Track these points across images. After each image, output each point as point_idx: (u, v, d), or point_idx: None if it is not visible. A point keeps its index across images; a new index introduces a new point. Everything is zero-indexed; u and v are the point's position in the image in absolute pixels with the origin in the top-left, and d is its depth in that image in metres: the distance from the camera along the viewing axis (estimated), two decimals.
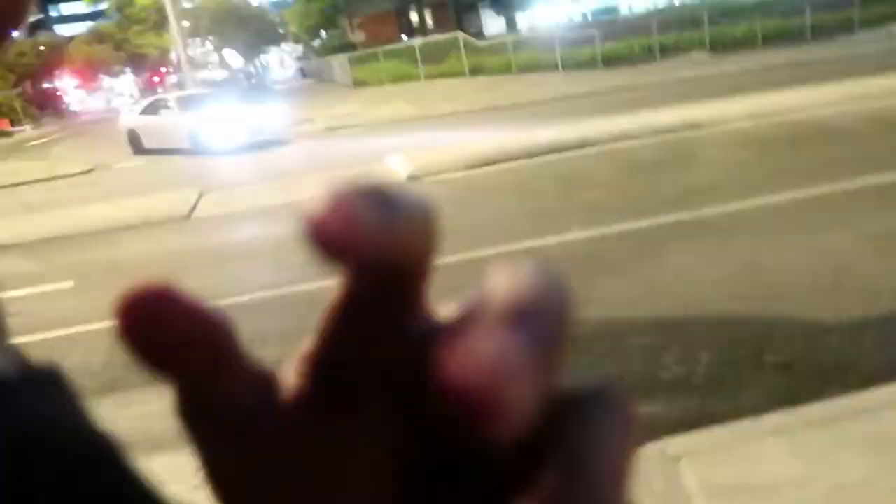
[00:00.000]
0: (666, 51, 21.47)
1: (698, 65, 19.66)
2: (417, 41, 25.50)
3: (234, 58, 56.01)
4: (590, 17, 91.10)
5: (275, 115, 16.39)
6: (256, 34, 50.48)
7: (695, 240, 5.44)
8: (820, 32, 21.05)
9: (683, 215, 5.98)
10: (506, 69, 22.43)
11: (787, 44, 20.61)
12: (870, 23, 21.41)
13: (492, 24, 79.32)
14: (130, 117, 18.21)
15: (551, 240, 5.84)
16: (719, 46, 21.01)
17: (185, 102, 16.68)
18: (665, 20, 24.59)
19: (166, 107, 16.92)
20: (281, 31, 56.50)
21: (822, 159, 7.32)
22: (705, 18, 21.61)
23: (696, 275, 4.77)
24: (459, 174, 9.07)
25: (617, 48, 21.48)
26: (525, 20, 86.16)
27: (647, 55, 21.24)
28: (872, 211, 5.46)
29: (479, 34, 67.07)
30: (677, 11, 32.82)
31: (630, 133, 9.76)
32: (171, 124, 15.99)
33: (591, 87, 17.23)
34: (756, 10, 22.81)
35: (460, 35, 24.81)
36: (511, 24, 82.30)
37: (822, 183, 6.20)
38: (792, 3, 21.80)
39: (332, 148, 13.97)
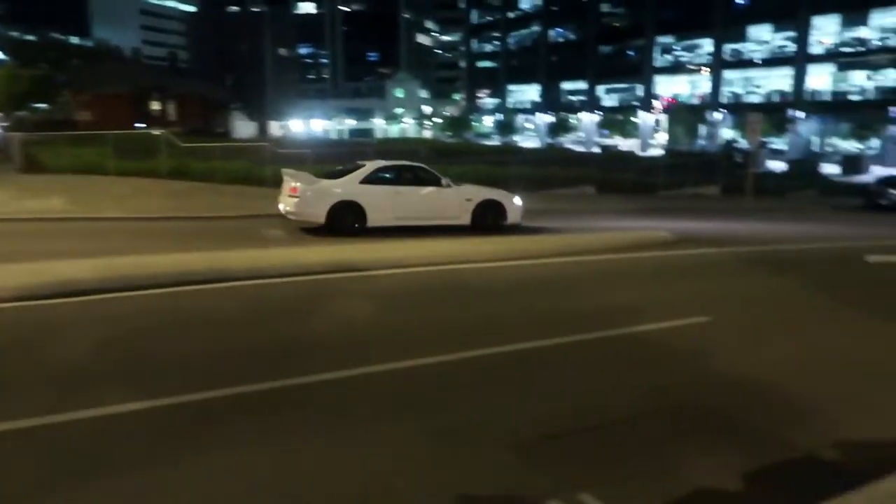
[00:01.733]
0: None
1: None
2: (115, 132, 22.23)
3: None
4: (346, 136, 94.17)
5: None
6: None
7: None
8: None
9: None
10: (210, 176, 20.17)
11: None
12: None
13: (245, 126, 77.70)
14: None
15: None
16: None
17: None
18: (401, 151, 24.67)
19: None
20: None
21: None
22: (422, 153, 21.74)
23: None
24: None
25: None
26: (280, 129, 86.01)
27: None
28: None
29: (224, 134, 64.77)
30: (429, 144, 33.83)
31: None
32: None
33: (273, 209, 15.63)
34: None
35: (164, 133, 22.16)
36: (263, 130, 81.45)
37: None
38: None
39: None
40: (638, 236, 12.45)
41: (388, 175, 12.48)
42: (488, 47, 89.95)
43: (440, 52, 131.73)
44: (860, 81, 51.28)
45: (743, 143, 44.15)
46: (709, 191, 26.24)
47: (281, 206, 12.24)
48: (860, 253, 12.39)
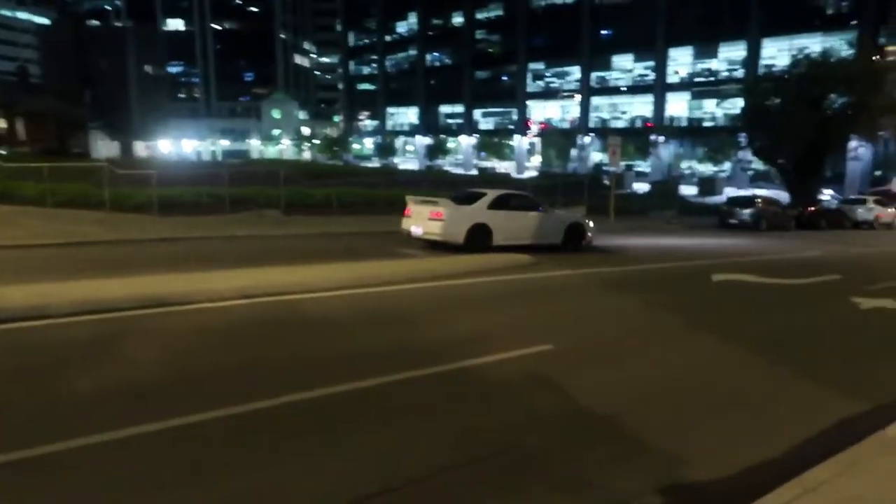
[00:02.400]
0: (241, 203, 19.66)
1: (266, 222, 18.14)
2: None
3: None
4: (220, 157, 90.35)
5: None
6: None
7: None
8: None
9: None
10: (41, 200, 18.10)
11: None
12: None
13: (107, 146, 72.58)
14: None
15: None
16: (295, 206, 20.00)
17: None
18: (255, 173, 23.39)
19: None
20: None
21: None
22: (282, 176, 20.64)
23: None
24: None
25: (183, 193, 18.91)
26: (145, 149, 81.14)
27: (218, 204, 19.10)
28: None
29: (81, 155, 60.11)
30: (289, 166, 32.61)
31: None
32: None
33: (105, 235, 14.20)
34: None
35: None
36: (126, 150, 76.56)
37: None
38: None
39: None
40: (495, 259, 12.08)
41: (505, 202, 14.51)
42: (366, 70, 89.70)
43: (319, 73, 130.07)
44: (712, 109, 55.17)
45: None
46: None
47: (416, 229, 13.96)
48: (708, 271, 12.66)
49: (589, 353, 6.66)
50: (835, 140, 35.21)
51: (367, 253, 12.62)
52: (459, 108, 75.23)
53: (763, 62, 49.84)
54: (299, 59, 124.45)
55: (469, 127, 73.53)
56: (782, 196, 34.97)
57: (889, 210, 33.25)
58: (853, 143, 39.73)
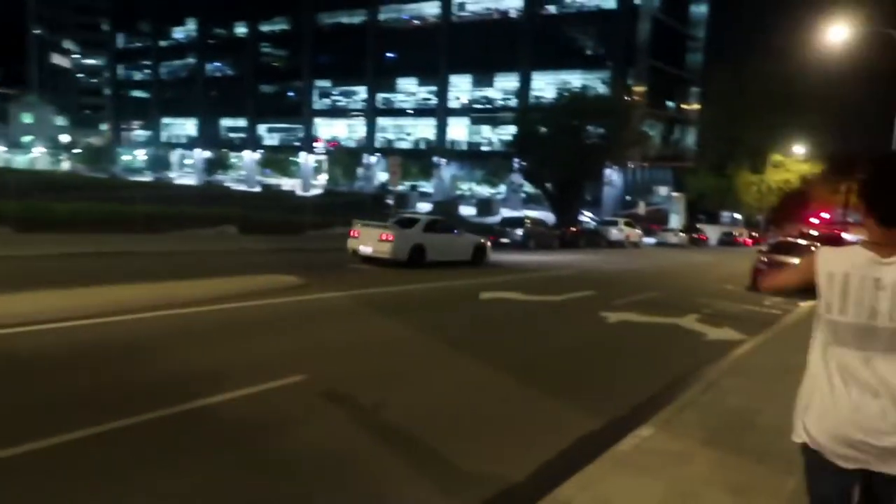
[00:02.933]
0: None
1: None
2: None
3: None
4: None
5: None
6: None
7: None
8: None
9: None
10: None
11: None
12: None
13: None
14: None
15: None
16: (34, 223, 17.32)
17: None
18: None
19: None
20: None
21: None
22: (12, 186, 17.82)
23: None
24: None
25: None
26: None
27: None
28: None
29: None
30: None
31: None
32: None
33: None
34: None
35: None
36: None
37: None
38: None
39: None
40: (259, 281, 11.26)
41: (433, 226, 17.61)
42: (138, 75, 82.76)
43: (82, 76, 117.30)
44: (489, 134, 58.66)
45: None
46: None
47: (364, 248, 16.23)
48: (477, 290, 12.96)
49: (344, 383, 6.19)
50: (592, 167, 39.08)
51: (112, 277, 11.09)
52: (242, 122, 72.20)
53: (533, 93, 54.11)
54: (58, 59, 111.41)
55: (253, 142, 70.79)
56: (549, 217, 37.90)
57: (636, 231, 37.53)
58: (608, 171, 44.44)
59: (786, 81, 45.28)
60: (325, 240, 21.99)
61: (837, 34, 18.55)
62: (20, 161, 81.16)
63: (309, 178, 65.57)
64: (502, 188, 55.82)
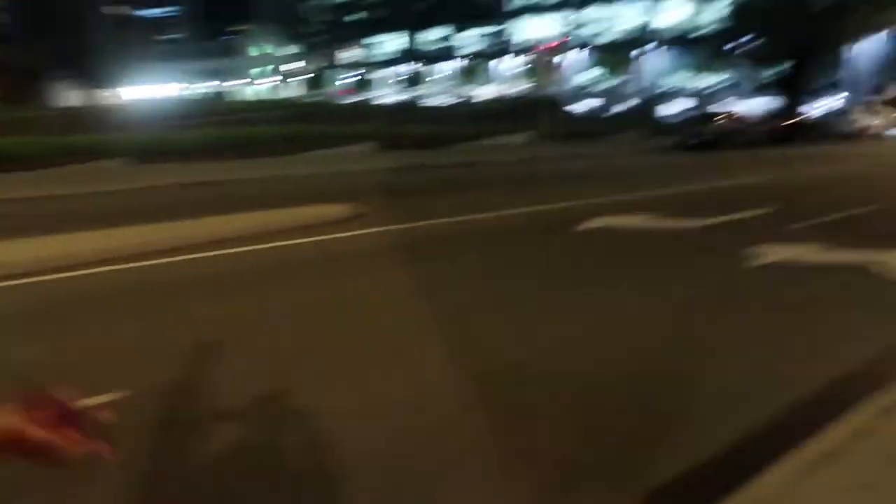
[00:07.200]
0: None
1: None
2: None
3: None
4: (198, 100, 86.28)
5: None
6: None
7: None
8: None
9: None
10: None
11: None
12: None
13: (69, 97, 69.12)
14: None
15: None
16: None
17: None
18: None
19: None
20: None
21: None
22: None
23: None
24: None
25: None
26: (108, 97, 77.30)
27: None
28: None
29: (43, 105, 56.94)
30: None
31: None
32: None
33: None
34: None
35: None
36: (90, 98, 73.12)
37: None
38: None
39: None
40: (300, 215, 9.19)
41: None
42: None
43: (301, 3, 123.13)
44: (704, 15, 50.27)
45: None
46: (515, 139, 23.38)
47: None
48: (585, 216, 9.60)
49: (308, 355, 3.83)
50: (827, 39, 30.99)
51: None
52: (441, 32, 70.58)
53: None
54: None
55: (448, 53, 69.15)
56: (773, 107, 31.27)
57: (877, 120, 29.61)
58: (853, 46, 35.36)
59: None
60: (468, 153, 19.48)
61: None
62: (249, 92, 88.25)
63: (504, 84, 62.39)
64: (720, 78, 47.79)
